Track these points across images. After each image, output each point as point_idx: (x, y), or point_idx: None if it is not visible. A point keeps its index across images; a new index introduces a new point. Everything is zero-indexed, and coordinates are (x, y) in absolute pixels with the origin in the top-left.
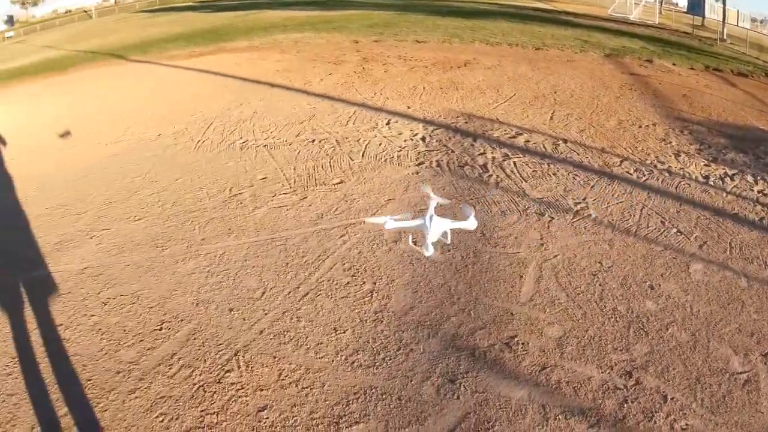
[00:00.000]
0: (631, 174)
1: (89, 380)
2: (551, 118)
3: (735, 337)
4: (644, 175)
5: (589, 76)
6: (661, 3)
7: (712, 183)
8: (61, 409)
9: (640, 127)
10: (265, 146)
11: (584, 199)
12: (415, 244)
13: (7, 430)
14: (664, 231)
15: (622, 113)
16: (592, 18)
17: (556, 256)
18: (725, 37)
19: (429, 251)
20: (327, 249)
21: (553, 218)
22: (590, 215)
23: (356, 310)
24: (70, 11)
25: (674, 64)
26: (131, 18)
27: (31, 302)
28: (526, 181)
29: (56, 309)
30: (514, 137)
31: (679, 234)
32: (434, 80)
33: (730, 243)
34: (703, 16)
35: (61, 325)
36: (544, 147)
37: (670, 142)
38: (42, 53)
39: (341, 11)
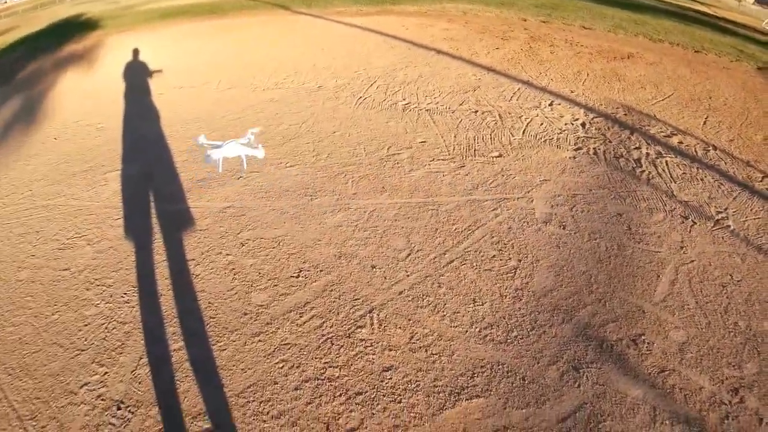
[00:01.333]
0: None
1: (212, 318)
2: (704, 123)
3: None
4: None
5: (741, 86)
6: None
7: None
8: (176, 343)
9: None
10: (427, 110)
11: (726, 209)
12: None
13: (113, 357)
14: None
15: None
16: (747, 28)
17: (692, 261)
18: None
19: (208, 161)
20: (478, 220)
21: (695, 223)
22: (729, 226)
23: (498, 285)
24: None
25: None
26: None
27: (164, 234)
28: (675, 182)
29: (190, 244)
30: (668, 136)
31: None
32: (598, 68)
33: None
34: None
35: (193, 260)
36: (695, 150)
37: None
38: None
39: None
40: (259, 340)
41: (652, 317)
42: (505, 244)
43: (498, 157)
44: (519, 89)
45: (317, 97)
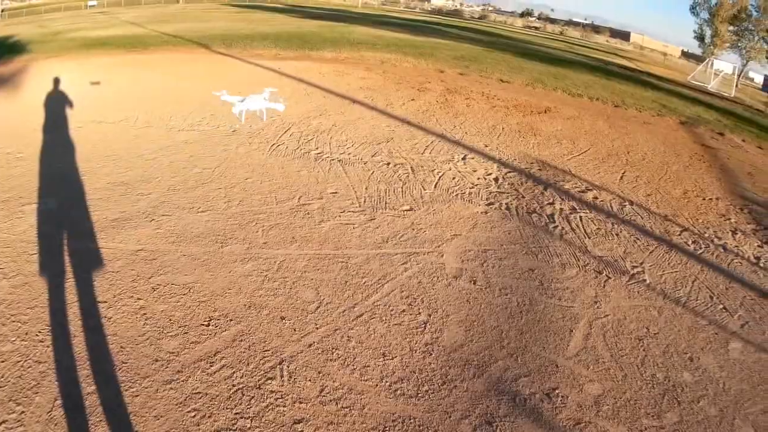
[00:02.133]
0: (689, 245)
1: (124, 363)
2: (621, 178)
3: (759, 418)
4: (701, 248)
5: (662, 141)
6: (738, 76)
7: (762, 265)
8: (90, 387)
9: (704, 199)
10: (339, 161)
11: (642, 263)
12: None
13: (29, 397)
14: (711, 306)
15: (688, 183)
16: (672, 82)
17: (607, 315)
18: None
19: (235, 110)
20: (388, 273)
21: (609, 278)
22: (645, 280)
23: (408, 339)
24: None
25: (744, 141)
26: (219, 9)
27: (78, 274)
28: (589, 238)
29: (102, 285)
30: (583, 192)
31: (724, 311)
32: (513, 122)
33: None
34: None
35: (105, 302)
36: (611, 206)
37: (730, 219)
38: (125, 28)
39: (430, 38)
40: (171, 388)
41: (566, 371)
42: (414, 298)
43: (409, 210)
44: (433, 142)
45: (231, 141)
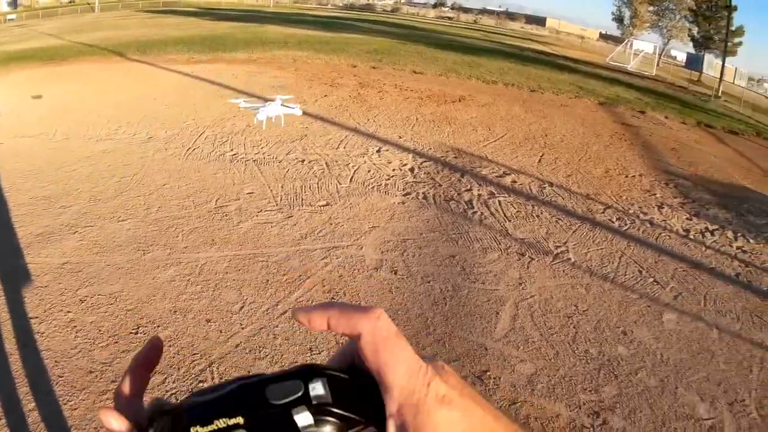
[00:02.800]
0: (613, 222)
1: (60, 377)
2: (540, 161)
3: (703, 385)
4: (626, 225)
5: (581, 122)
6: (660, 55)
7: (692, 237)
8: (30, 403)
9: (626, 177)
10: (254, 161)
11: (565, 243)
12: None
13: None
14: (641, 280)
15: (610, 162)
16: (589, 65)
17: (533, 296)
18: (720, 94)
19: (258, 119)
20: (308, 269)
21: (533, 259)
22: (570, 259)
23: (333, 333)
24: (73, 2)
25: (666, 117)
26: (134, 16)
27: (7, 291)
28: (509, 221)
29: (32, 301)
30: (501, 176)
31: (655, 284)
32: (428, 112)
33: (704, 296)
34: (701, 72)
35: (36, 318)
36: (530, 188)
37: (655, 194)
38: (43, 40)
39: (342, 33)
40: (107, 398)
41: (496, 353)
42: (336, 292)
43: (326, 205)
44: (347, 136)
45: (147, 148)
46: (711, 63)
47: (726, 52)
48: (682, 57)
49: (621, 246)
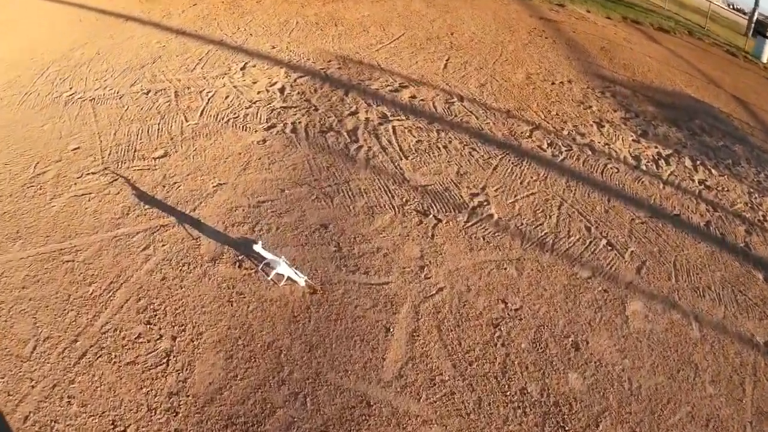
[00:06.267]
0: (544, 150)
1: None
2: (445, 66)
3: (687, 429)
4: (561, 153)
5: (492, 17)
6: None
7: (644, 168)
8: None
9: (553, 83)
10: (91, 100)
11: (483, 188)
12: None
13: None
14: (591, 244)
15: (531, 65)
16: None
17: (441, 289)
18: None
19: (281, 270)
20: (123, 270)
21: (440, 220)
22: (491, 216)
23: (144, 389)
24: None
25: (588, 11)
26: None
27: None
28: (406, 158)
29: None
30: (397, 90)
31: (610, 249)
32: (311, 13)
33: (674, 263)
34: None
35: None
36: (434, 106)
37: (590, 107)
38: None
39: None
40: None
41: (384, 411)
42: (156, 308)
43: (162, 157)
44: (208, 53)
45: None
46: None
47: None
48: None
49: (558, 188)
